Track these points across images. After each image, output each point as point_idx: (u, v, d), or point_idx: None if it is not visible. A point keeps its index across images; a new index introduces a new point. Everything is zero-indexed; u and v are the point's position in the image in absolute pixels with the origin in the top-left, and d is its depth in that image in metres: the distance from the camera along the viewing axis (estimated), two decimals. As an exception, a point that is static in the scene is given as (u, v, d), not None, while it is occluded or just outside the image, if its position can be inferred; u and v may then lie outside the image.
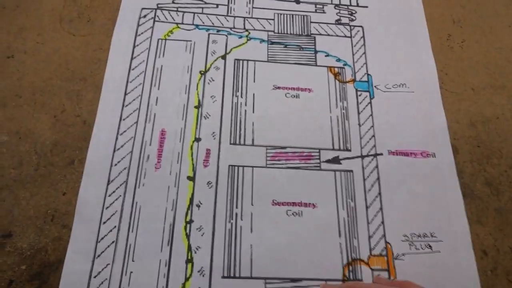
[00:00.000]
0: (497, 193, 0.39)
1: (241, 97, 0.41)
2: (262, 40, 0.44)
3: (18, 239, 0.34)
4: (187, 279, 0.33)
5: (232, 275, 0.33)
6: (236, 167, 0.37)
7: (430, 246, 0.36)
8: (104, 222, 0.34)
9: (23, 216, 0.35)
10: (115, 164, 0.37)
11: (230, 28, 0.44)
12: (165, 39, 0.43)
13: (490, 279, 0.35)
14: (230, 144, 0.38)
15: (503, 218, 0.38)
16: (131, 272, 0.33)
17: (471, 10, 0.49)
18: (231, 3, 0.46)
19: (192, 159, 0.37)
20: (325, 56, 0.44)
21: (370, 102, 0.42)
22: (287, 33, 0.45)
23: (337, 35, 0.45)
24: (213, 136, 0.39)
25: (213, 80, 0.41)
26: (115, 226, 0.34)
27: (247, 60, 0.43)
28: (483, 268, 0.35)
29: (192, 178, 0.37)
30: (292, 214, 0.36)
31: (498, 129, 0.42)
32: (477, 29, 0.48)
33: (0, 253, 0.33)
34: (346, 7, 0.47)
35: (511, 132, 0.42)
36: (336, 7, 0.47)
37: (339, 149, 0.39)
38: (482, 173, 0.39)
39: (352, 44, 0.45)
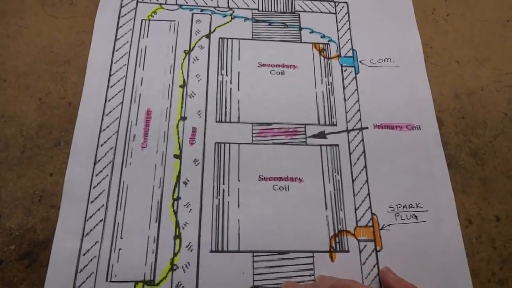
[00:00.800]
0: (481, 163, 0.39)
1: (226, 75, 0.41)
2: (246, 19, 0.44)
3: (6, 220, 0.34)
4: (175, 254, 0.33)
5: (220, 249, 0.34)
6: (222, 144, 0.38)
7: (415, 216, 0.36)
8: (92, 201, 0.35)
9: (11, 197, 0.35)
10: (101, 145, 0.37)
11: (214, 7, 0.44)
12: (149, 20, 0.43)
13: (475, 246, 0.36)
14: (216, 122, 0.39)
15: (487, 187, 0.38)
16: (120, 249, 0.33)
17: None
18: (215, -18, 0.46)
19: (178, 138, 0.38)
20: (310, 33, 0.44)
21: (355, 77, 0.42)
22: (271, 11, 0.45)
23: (322, 12, 0.45)
24: (198, 115, 0.39)
25: (198, 59, 0.41)
26: (103, 205, 0.35)
27: (232, 39, 0.43)
28: (468, 236, 0.36)
29: (178, 156, 0.37)
30: (279, 188, 0.36)
31: (482, 101, 0.42)
32: (461, 3, 0.48)
33: (-11, 235, 0.33)
34: (330, -17, 0.47)
35: (495, 103, 0.42)
36: None
37: (325, 124, 0.39)
38: (467, 143, 0.40)
39: (336, 20, 0.45)
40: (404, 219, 0.36)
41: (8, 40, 0.41)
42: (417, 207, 0.36)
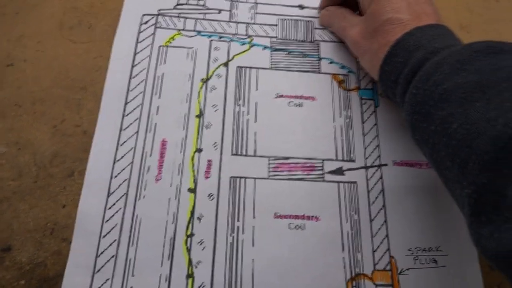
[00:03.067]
0: (504, 206, 0.38)
1: (243, 106, 0.40)
2: (265, 47, 0.43)
3: (17, 253, 0.33)
4: (187, 294, 0.32)
5: (233, 290, 0.33)
6: (238, 179, 0.37)
7: (435, 260, 0.35)
8: (104, 236, 0.34)
9: (23, 229, 0.34)
10: (115, 176, 0.36)
11: (233, 35, 0.44)
12: (167, 46, 0.42)
13: (496, 295, 0.34)
14: (232, 154, 0.38)
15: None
16: (131, 287, 0.32)
17: (478, 14, 0.48)
18: (234, 8, 0.45)
19: (193, 171, 0.37)
20: (329, 63, 0.43)
21: (375, 111, 0.41)
22: (290, 39, 0.44)
23: (341, 42, 0.44)
24: (214, 147, 0.38)
25: (215, 88, 0.41)
26: (115, 240, 0.34)
27: (250, 68, 0.42)
28: (490, 284, 0.35)
29: (193, 190, 0.36)
30: (295, 227, 0.35)
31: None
32: (484, 35, 0.47)
33: (-1, 267, 0.33)
34: (351, 12, 0.46)
35: None
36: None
37: (343, 160, 0.38)
38: (490, 184, 0.39)
39: (356, 51, 0.44)
40: (424, 263, 0.35)
41: (25, 64, 0.41)
42: (437, 250, 0.35)
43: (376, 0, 0.35)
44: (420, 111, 0.28)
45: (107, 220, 0.34)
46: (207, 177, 0.37)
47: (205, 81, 0.41)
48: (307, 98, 0.41)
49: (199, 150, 0.38)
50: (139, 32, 0.43)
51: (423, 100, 0.28)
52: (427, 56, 0.29)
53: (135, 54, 0.42)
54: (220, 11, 0.45)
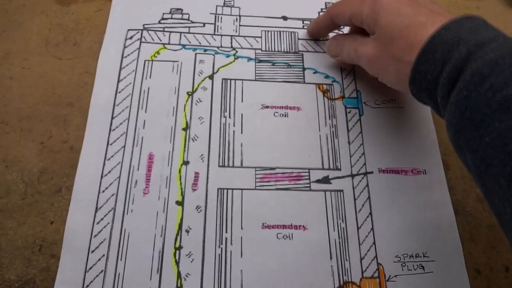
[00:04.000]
0: (489, 210, 0.38)
1: (229, 117, 0.41)
2: (249, 59, 0.44)
3: (5, 270, 0.33)
4: (176, 308, 0.33)
5: (222, 302, 0.33)
6: (225, 190, 0.37)
7: (422, 266, 0.35)
8: (93, 251, 0.34)
9: (11, 246, 0.34)
10: (103, 191, 0.36)
11: (217, 47, 0.44)
12: (152, 60, 0.43)
13: (483, 298, 0.35)
14: (219, 166, 0.38)
15: (495, 234, 0.37)
16: (120, 302, 0.32)
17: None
18: (218, 21, 0.46)
19: (181, 183, 0.37)
20: (314, 73, 0.44)
21: (360, 119, 0.41)
22: (274, 51, 0.45)
23: (325, 52, 0.45)
24: (201, 159, 0.38)
25: (201, 101, 0.41)
26: (103, 255, 0.34)
27: (235, 80, 0.42)
28: (477, 287, 0.35)
29: (180, 203, 0.36)
30: (283, 237, 0.36)
31: (489, 143, 0.41)
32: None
33: (-13, 286, 0.33)
34: (334, 22, 0.47)
35: (502, 146, 0.41)
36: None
37: (329, 169, 0.39)
38: (474, 189, 0.39)
39: (340, 60, 0.45)
40: (411, 270, 0.35)
41: (11, 81, 0.41)
42: (424, 256, 0.36)
43: (383, 13, 0.33)
44: (472, 117, 0.25)
45: (95, 235, 0.35)
46: (194, 189, 0.37)
47: (191, 94, 0.41)
48: (292, 108, 0.42)
49: (186, 163, 0.38)
50: (125, 47, 0.43)
51: (476, 106, 0.25)
52: (471, 50, 0.26)
53: (120, 69, 0.42)
54: (204, 24, 0.45)
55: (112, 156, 0.38)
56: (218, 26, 0.45)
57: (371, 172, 0.39)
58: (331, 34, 0.44)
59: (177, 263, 0.34)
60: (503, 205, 0.24)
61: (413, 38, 0.30)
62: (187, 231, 0.35)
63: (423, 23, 0.30)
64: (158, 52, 0.43)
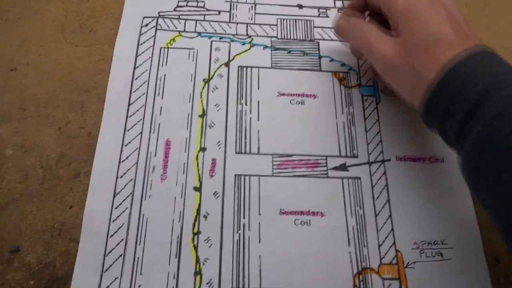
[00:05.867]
0: (507, 198, 0.38)
1: (246, 104, 0.40)
2: (265, 46, 0.44)
3: (26, 254, 0.34)
4: (195, 292, 0.33)
5: (241, 286, 0.33)
6: (242, 177, 0.37)
7: (441, 253, 0.35)
8: (112, 236, 0.34)
9: (31, 230, 0.34)
10: (121, 176, 0.36)
11: (233, 35, 0.44)
12: (168, 48, 0.43)
13: (503, 286, 0.35)
14: (236, 153, 0.38)
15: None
16: (139, 286, 0.33)
17: (477, 9, 0.48)
18: (233, 9, 0.46)
19: (198, 169, 0.37)
20: (330, 61, 0.43)
21: (376, 107, 0.41)
22: (290, 39, 0.44)
23: (341, 40, 0.44)
24: (218, 146, 0.38)
25: (217, 88, 0.41)
26: (122, 239, 0.34)
27: (251, 67, 0.42)
28: (496, 275, 0.35)
29: (198, 189, 0.36)
30: (300, 223, 0.36)
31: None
32: (483, 29, 0.47)
33: (8, 269, 0.33)
34: (349, 10, 0.47)
35: None
36: (340, 11, 0.47)
37: (346, 156, 0.39)
38: (492, 177, 0.39)
39: (356, 48, 0.44)
40: (430, 257, 0.35)
41: (28, 68, 0.41)
42: (442, 244, 0.36)
43: (412, 14, 0.31)
44: (492, 160, 0.25)
45: (114, 220, 0.35)
46: (212, 176, 0.37)
47: (207, 81, 0.41)
48: (308, 96, 0.41)
49: (203, 149, 0.38)
50: (140, 34, 0.43)
51: (497, 149, 0.25)
52: (488, 86, 0.26)
53: (136, 56, 0.42)
54: (219, 12, 0.45)
55: (129, 142, 0.38)
56: (233, 14, 0.45)
57: (389, 160, 0.39)
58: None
59: (196, 248, 0.34)
60: None
61: (437, 57, 0.29)
62: (205, 217, 0.35)
63: (452, 42, 0.29)
64: (173, 40, 0.43)
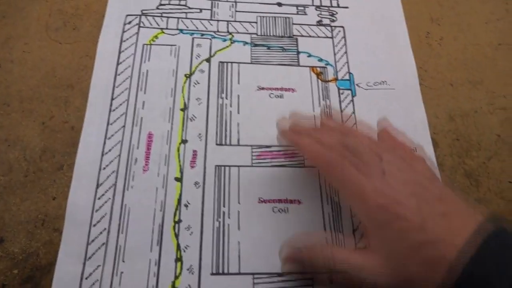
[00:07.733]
0: (476, 185, 0.40)
1: (226, 98, 0.42)
2: (245, 43, 0.45)
3: (9, 244, 0.34)
4: (176, 277, 0.34)
5: (220, 271, 0.34)
6: (222, 167, 0.38)
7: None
8: (94, 225, 0.35)
9: (14, 221, 0.35)
10: (104, 168, 0.37)
11: (214, 32, 0.45)
12: (150, 44, 0.44)
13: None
14: (216, 144, 0.39)
15: (482, 208, 0.39)
16: (122, 273, 0.33)
17: (448, 8, 0.50)
18: (215, 7, 0.47)
19: (179, 161, 0.38)
20: (308, 56, 0.45)
21: (352, 100, 0.43)
22: (269, 35, 0.46)
23: (319, 36, 0.46)
24: (199, 138, 0.40)
25: (198, 83, 0.42)
26: (105, 228, 0.35)
27: (231, 63, 0.44)
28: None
29: (179, 179, 0.37)
30: (278, 210, 0.37)
31: (476, 123, 0.43)
32: (454, 27, 0.49)
33: (-8, 259, 0.34)
34: (327, 8, 0.48)
35: (488, 125, 0.43)
36: (317, 9, 0.48)
37: (323, 147, 0.40)
38: (462, 165, 0.41)
39: (333, 44, 0.46)
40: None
41: (12, 65, 0.42)
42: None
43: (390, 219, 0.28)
44: None
45: (97, 210, 0.36)
46: (192, 167, 0.38)
47: (189, 76, 0.43)
48: (287, 90, 0.43)
49: (184, 142, 0.39)
50: (123, 31, 0.44)
51: None
52: None
53: (119, 52, 0.43)
54: (201, 10, 0.47)
55: (112, 135, 0.39)
56: (214, 11, 0.47)
57: (363, 150, 0.40)
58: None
59: (177, 235, 0.35)
60: None
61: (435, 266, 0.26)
62: (186, 206, 0.36)
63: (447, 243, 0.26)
64: (156, 37, 0.44)
